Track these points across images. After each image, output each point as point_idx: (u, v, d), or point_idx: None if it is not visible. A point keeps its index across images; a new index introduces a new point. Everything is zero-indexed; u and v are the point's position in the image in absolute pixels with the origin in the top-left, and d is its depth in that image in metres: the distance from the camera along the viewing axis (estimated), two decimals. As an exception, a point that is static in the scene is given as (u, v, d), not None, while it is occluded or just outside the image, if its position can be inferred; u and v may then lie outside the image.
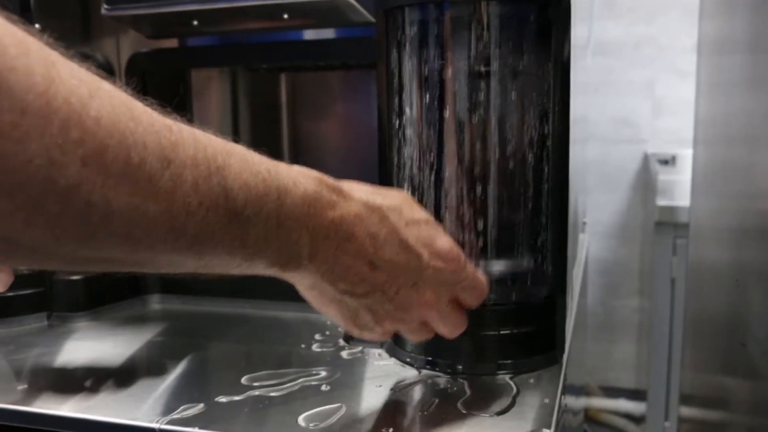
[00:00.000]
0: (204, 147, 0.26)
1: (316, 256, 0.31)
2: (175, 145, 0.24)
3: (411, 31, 0.42)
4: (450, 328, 0.38)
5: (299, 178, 0.30)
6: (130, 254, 0.25)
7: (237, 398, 0.39)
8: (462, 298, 0.38)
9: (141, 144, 0.23)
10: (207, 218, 0.25)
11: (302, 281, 0.33)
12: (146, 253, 0.25)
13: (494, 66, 0.42)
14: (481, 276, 0.38)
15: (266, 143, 0.82)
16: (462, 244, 0.42)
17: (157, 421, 0.36)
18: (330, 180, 0.32)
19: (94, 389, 0.41)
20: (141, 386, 0.41)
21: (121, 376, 0.44)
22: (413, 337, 0.38)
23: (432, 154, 0.43)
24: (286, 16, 0.58)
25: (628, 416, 1.55)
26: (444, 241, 0.36)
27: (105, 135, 0.22)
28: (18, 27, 0.21)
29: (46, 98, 0.20)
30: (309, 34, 0.69)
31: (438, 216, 0.43)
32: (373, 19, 0.45)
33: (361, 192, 0.33)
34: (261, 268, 0.30)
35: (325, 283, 0.33)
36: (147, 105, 0.25)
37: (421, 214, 0.36)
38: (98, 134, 0.22)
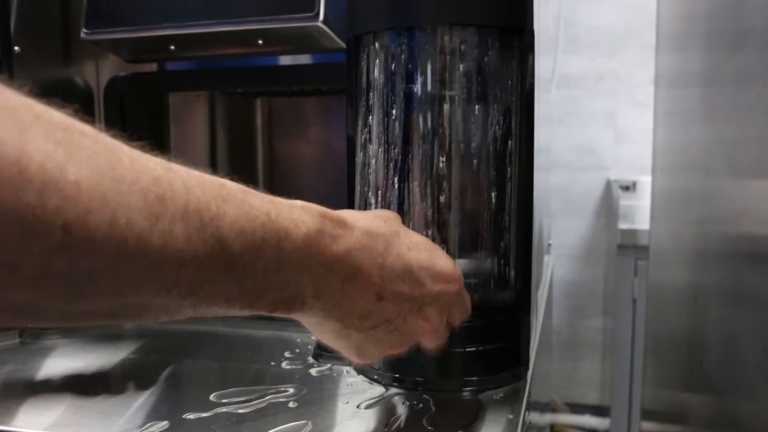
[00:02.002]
0: (197, 197, 0.24)
1: (321, 293, 0.30)
2: (163, 200, 0.23)
3: (379, 56, 0.44)
4: (439, 344, 0.38)
5: (302, 218, 0.29)
6: (122, 308, 0.24)
7: (205, 415, 0.39)
8: (449, 317, 0.37)
9: (125, 205, 0.22)
10: (201, 269, 0.24)
11: (308, 319, 0.32)
12: (139, 305, 0.24)
13: (460, 92, 0.43)
14: (468, 295, 0.38)
15: (242, 166, 0.84)
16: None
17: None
18: (332, 213, 0.31)
19: (65, 407, 0.41)
20: (112, 404, 0.41)
21: (92, 394, 0.43)
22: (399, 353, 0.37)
23: (398, 177, 0.44)
24: (260, 41, 0.59)
25: (593, 431, 1.58)
26: (444, 263, 0.35)
27: (86, 200, 0.21)
28: None
29: (18, 167, 0.19)
30: (284, 60, 0.71)
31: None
32: (344, 45, 0.46)
33: (362, 220, 0.32)
34: (263, 311, 0.29)
35: (332, 320, 0.32)
36: (132, 148, 0.24)
37: (417, 236, 0.35)
38: (79, 200, 0.20)
